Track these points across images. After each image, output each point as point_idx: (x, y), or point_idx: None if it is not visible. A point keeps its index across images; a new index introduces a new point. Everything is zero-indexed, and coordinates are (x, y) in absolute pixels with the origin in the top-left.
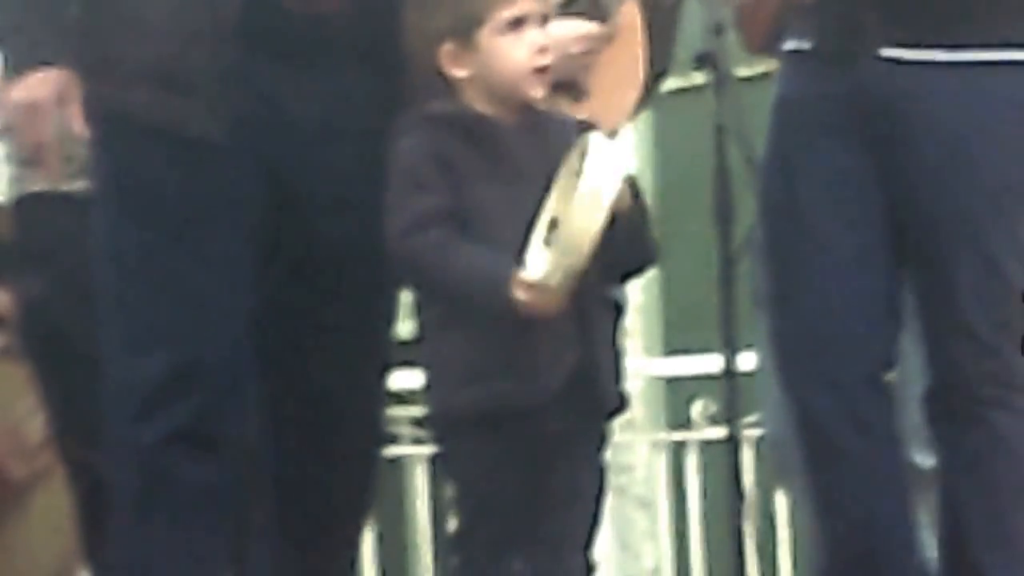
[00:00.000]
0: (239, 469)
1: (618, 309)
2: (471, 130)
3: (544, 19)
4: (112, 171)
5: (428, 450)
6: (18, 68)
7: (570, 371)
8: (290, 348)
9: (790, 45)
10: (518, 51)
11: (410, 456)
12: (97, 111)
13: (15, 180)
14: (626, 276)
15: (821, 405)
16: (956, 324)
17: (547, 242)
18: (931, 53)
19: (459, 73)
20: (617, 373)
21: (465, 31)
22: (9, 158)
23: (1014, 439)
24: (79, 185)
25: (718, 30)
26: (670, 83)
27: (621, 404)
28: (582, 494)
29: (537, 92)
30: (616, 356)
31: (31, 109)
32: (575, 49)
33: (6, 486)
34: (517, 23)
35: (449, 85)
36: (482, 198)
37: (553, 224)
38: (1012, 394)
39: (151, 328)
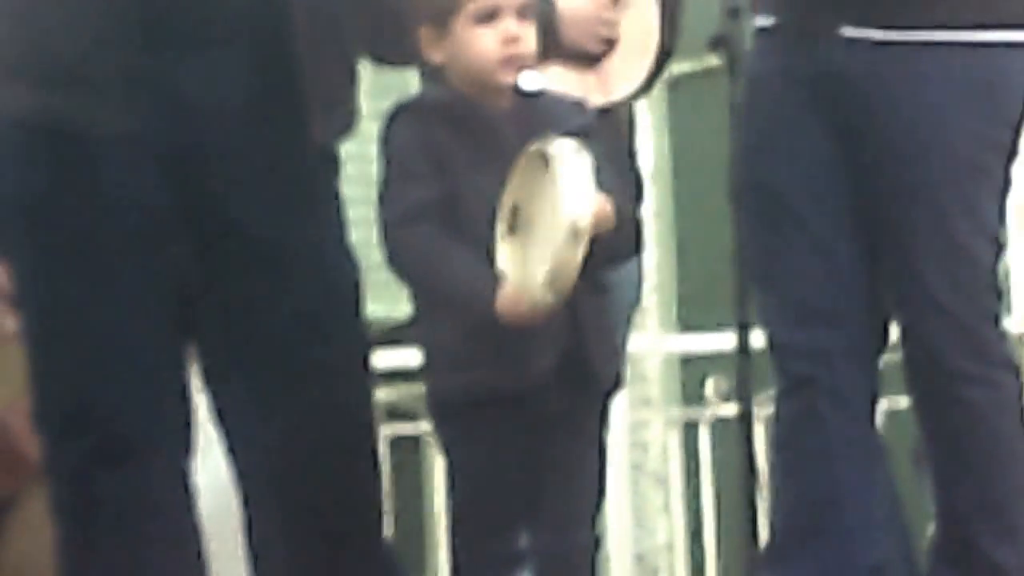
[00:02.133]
0: (167, 478)
1: (607, 290)
2: (460, 117)
3: (521, 9)
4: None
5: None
6: None
7: (561, 354)
8: (237, 339)
9: (760, 21)
10: (487, 41)
11: (426, 433)
12: None
13: None
14: (613, 262)
15: (799, 372)
16: (926, 303)
17: (511, 230)
18: (886, 33)
19: (436, 58)
20: (611, 353)
21: (441, 18)
22: None
23: (993, 414)
24: None
25: (733, 14)
26: (686, 65)
27: (616, 383)
28: (582, 472)
29: (507, 80)
30: (609, 336)
31: None
32: (595, 25)
33: (23, 464)
34: (490, 13)
35: (434, 70)
36: (472, 185)
37: (515, 211)
38: (989, 369)
39: (58, 352)
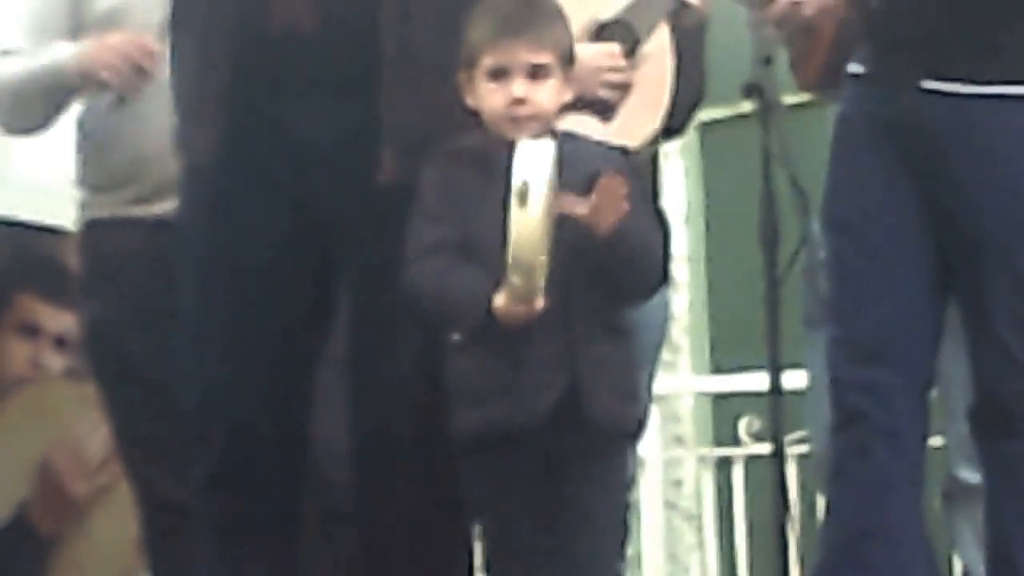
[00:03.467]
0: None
1: (623, 333)
2: (482, 162)
3: (532, 69)
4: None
5: None
6: None
7: (561, 395)
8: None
9: (852, 68)
10: (496, 99)
11: None
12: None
13: (83, 206)
14: (630, 300)
15: (854, 407)
16: (992, 344)
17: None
18: (964, 86)
19: (469, 101)
20: (621, 396)
21: (466, 67)
22: (78, 183)
23: None
24: (145, 210)
25: (766, 61)
26: (719, 111)
27: (634, 425)
28: (593, 515)
29: (516, 136)
30: (620, 379)
31: None
32: (602, 73)
33: (68, 503)
34: (500, 72)
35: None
36: (488, 225)
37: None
38: None
39: (196, 377)
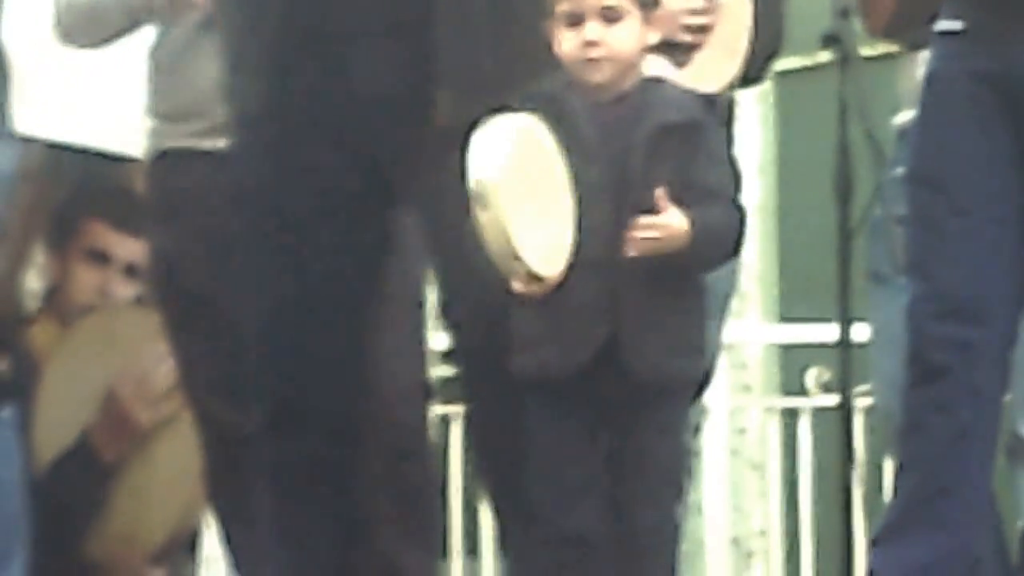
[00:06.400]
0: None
1: (680, 287)
2: (554, 107)
3: (605, 11)
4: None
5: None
6: None
7: (603, 345)
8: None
9: (942, 26)
10: (570, 43)
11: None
12: None
13: (153, 135)
14: (700, 269)
15: (937, 362)
16: None
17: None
18: None
19: (556, 48)
20: (678, 349)
21: (547, 15)
22: (149, 112)
23: None
24: (217, 143)
25: (844, 13)
26: (795, 61)
27: (692, 378)
28: (648, 459)
29: (593, 79)
30: (674, 333)
31: None
32: (683, 16)
33: (132, 431)
34: (573, 17)
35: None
36: None
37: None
38: None
39: (260, 319)
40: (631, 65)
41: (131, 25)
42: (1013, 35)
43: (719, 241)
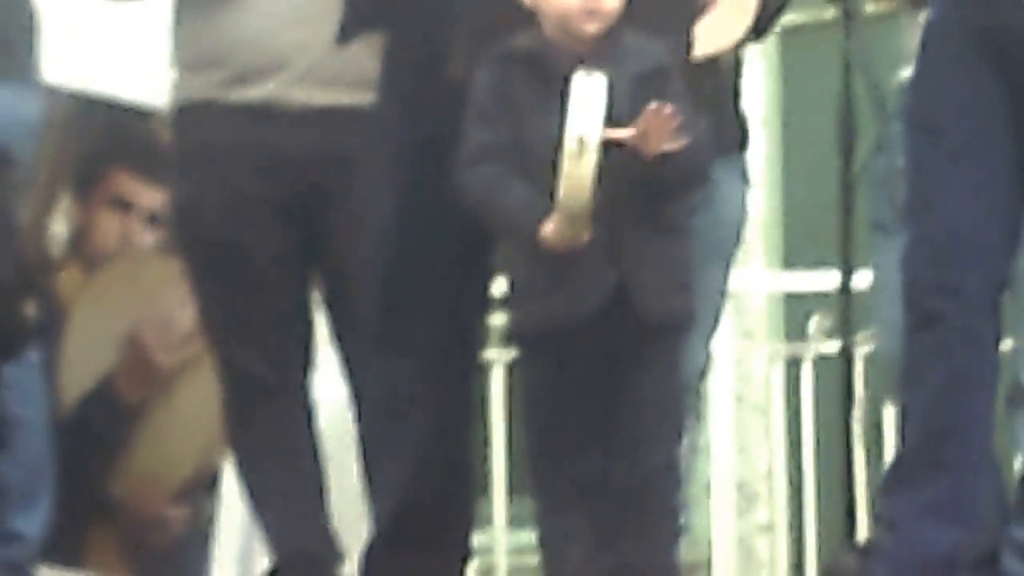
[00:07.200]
0: None
1: (677, 231)
2: (536, 64)
3: None
4: None
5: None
6: None
7: (611, 291)
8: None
9: None
10: None
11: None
12: None
13: (177, 86)
14: (676, 194)
15: (931, 308)
16: None
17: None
18: None
19: (527, 2)
20: (672, 291)
21: None
22: (172, 62)
23: None
24: (238, 94)
25: None
26: (800, 16)
27: (685, 320)
28: (648, 400)
29: (589, 30)
30: (671, 275)
31: None
32: None
33: (154, 374)
34: None
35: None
36: (539, 128)
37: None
38: None
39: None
40: (616, 17)
41: None
42: None
43: (695, 163)
